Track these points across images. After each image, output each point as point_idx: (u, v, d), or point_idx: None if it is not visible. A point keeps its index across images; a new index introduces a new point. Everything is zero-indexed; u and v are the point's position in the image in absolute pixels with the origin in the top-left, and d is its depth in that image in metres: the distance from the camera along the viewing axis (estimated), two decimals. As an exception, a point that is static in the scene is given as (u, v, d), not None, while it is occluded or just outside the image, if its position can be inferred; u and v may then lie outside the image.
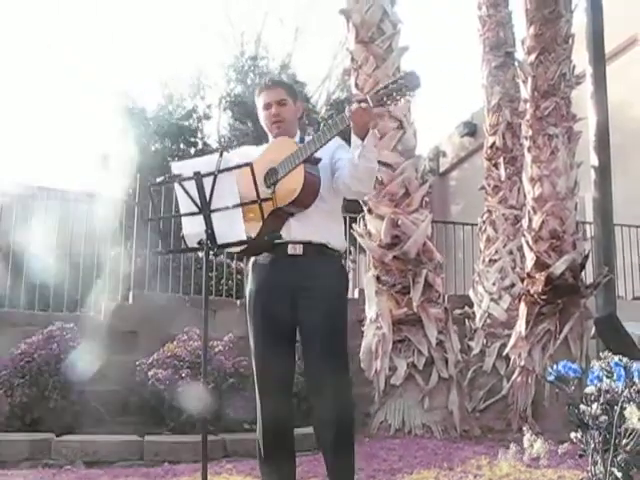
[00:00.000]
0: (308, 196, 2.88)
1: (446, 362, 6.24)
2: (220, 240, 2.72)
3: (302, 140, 3.06)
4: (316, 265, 2.96)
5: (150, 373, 5.83)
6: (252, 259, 3.13)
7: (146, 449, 5.05)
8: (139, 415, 6.05)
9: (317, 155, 2.87)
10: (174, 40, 29.83)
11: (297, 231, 2.94)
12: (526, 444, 2.90)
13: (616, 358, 2.74)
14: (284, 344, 3.02)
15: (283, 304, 2.96)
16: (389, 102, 2.73)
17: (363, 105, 2.68)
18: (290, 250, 2.96)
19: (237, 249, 3.03)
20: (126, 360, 6.43)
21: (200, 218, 2.71)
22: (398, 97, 2.69)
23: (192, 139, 16.02)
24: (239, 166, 2.70)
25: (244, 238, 2.69)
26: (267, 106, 3.13)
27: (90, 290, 7.95)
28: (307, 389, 3.05)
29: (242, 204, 2.69)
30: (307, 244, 2.96)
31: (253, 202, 2.72)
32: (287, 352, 3.05)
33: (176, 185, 2.75)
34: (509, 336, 6.99)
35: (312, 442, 4.01)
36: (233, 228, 2.67)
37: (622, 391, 2.67)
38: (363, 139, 2.78)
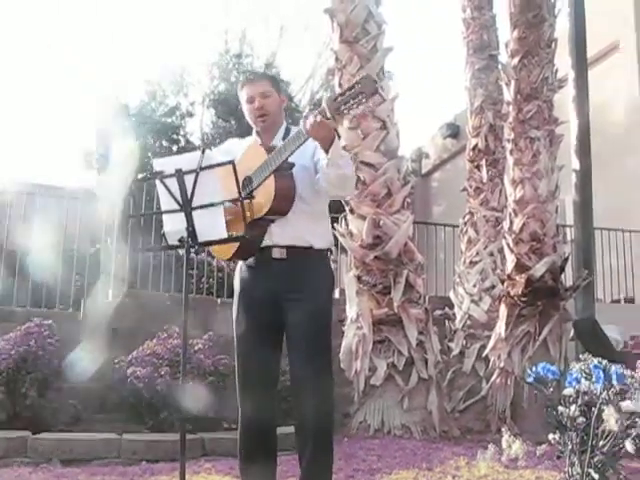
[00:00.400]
0: (282, 204, 2.86)
1: (426, 363, 6.25)
2: (201, 238, 2.70)
3: (288, 131, 3.04)
4: (300, 267, 2.94)
5: (129, 371, 5.79)
6: (240, 262, 3.12)
7: (124, 447, 5.00)
8: (117, 413, 6.01)
9: (293, 157, 2.84)
10: (157, 37, 29.70)
11: (278, 236, 2.93)
12: (504, 445, 2.92)
13: (595, 360, 2.76)
14: (268, 345, 3.00)
15: (267, 306, 2.96)
16: (346, 111, 2.67)
17: (318, 119, 2.65)
18: (274, 254, 2.95)
19: (227, 255, 3.02)
20: (105, 357, 6.38)
21: (181, 215, 2.69)
22: (355, 105, 2.63)
23: (175, 136, 15.98)
24: (221, 164, 2.68)
25: (225, 236, 2.68)
26: (250, 99, 3.09)
27: (69, 287, 7.89)
28: (290, 389, 3.05)
29: (224, 202, 2.68)
30: (291, 247, 2.95)
31: (235, 200, 2.71)
32: (271, 353, 3.03)
33: (157, 182, 2.72)
34: (489, 337, 7.02)
35: (292, 441, 4.01)
36: (214, 226, 2.65)
37: (600, 393, 2.69)
38: (327, 150, 2.75)
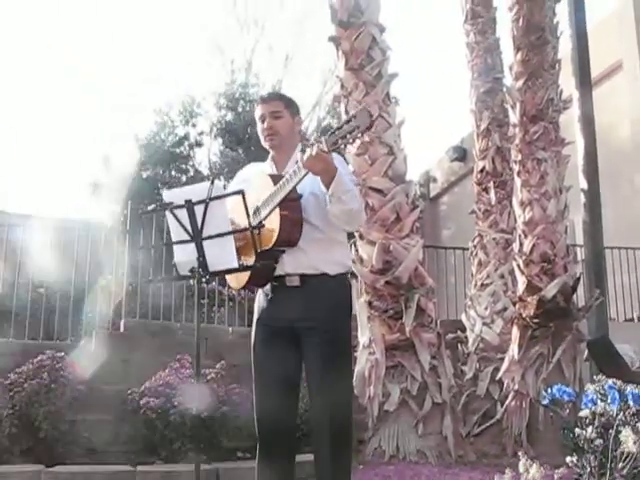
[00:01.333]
0: (288, 237, 2.84)
1: (440, 387, 6.21)
2: (212, 267, 2.72)
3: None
4: (314, 295, 2.92)
5: (142, 402, 5.79)
6: (259, 290, 3.11)
7: (138, 479, 4.98)
8: (131, 444, 5.99)
9: (306, 185, 2.82)
10: (166, 67, 30.07)
11: (290, 265, 2.91)
12: (521, 469, 2.88)
13: (610, 381, 2.74)
14: (285, 373, 2.98)
15: (283, 334, 2.94)
16: (343, 145, 2.64)
17: (314, 152, 2.62)
18: (288, 282, 2.94)
19: (240, 283, 3.01)
20: (118, 389, 6.38)
21: (192, 246, 2.70)
22: (351, 139, 2.61)
23: (183, 166, 16.07)
24: (230, 194, 2.70)
25: (236, 265, 2.69)
26: (261, 118, 3.09)
27: (81, 318, 7.91)
28: (308, 416, 3.02)
29: (234, 232, 2.69)
30: (304, 276, 2.93)
31: (244, 229, 2.72)
32: (289, 381, 3.00)
33: (167, 213, 2.75)
34: (502, 360, 6.97)
35: (306, 470, 3.98)
36: (225, 255, 2.67)
37: (617, 414, 2.67)
38: (328, 185, 2.73)
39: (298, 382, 3.06)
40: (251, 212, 2.86)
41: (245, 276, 2.94)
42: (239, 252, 2.73)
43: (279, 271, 2.92)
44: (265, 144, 3.12)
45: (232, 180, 3.28)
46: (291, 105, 3.16)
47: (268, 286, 3.01)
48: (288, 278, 2.93)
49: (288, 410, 3.01)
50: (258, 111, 3.12)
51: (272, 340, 2.98)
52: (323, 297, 2.93)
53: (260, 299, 3.09)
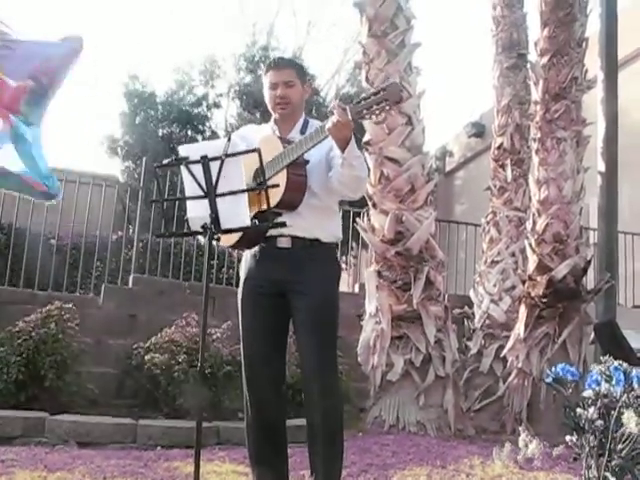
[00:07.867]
0: (292, 199, 2.85)
1: (443, 360, 6.23)
2: (224, 225, 2.70)
3: (306, 123, 3.02)
4: (304, 259, 2.94)
5: (147, 357, 5.84)
6: (246, 252, 3.12)
7: (139, 432, 5.04)
8: (134, 399, 6.07)
9: (311, 152, 2.83)
10: (188, 26, 29.84)
11: (286, 227, 2.89)
12: (521, 444, 2.89)
13: (616, 363, 2.73)
14: (273, 334, 3.02)
15: (271, 296, 2.96)
16: (368, 116, 2.64)
17: (341, 118, 2.62)
18: (279, 243, 2.95)
19: (231, 241, 2.99)
20: (123, 343, 6.45)
21: (205, 202, 2.68)
22: (377, 111, 2.60)
23: (200, 127, 16.02)
24: (247, 151, 2.68)
25: (248, 224, 2.67)
26: (273, 86, 3.06)
27: (90, 272, 7.96)
28: (301, 374, 3.05)
29: (248, 189, 2.67)
30: (296, 238, 2.94)
31: (258, 187, 2.72)
32: (276, 342, 3.05)
33: (182, 168, 2.72)
34: (507, 338, 6.98)
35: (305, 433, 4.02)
36: (238, 213, 2.65)
37: (620, 396, 2.66)
38: (344, 150, 2.74)
39: (285, 340, 3.09)
40: (252, 173, 2.84)
41: (236, 235, 2.93)
42: None
43: (272, 232, 2.91)
44: (274, 111, 3.10)
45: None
46: (301, 72, 3.16)
47: (256, 248, 3.01)
48: (279, 239, 2.94)
49: (274, 369, 3.05)
50: (269, 78, 3.08)
51: (259, 300, 3.00)
52: (313, 262, 2.94)
53: (247, 261, 3.09)
